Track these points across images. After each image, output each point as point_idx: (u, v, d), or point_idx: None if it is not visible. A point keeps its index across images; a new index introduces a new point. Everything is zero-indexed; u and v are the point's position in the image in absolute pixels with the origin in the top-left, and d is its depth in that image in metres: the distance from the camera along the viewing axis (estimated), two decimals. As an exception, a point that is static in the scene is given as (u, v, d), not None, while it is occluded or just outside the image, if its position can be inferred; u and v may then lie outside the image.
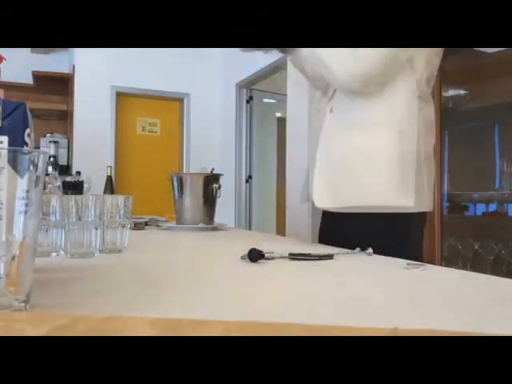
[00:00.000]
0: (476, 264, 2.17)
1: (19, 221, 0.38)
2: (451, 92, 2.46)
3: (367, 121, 1.15)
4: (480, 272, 0.72)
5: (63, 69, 5.43)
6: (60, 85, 5.24)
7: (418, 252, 1.19)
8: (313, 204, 1.26)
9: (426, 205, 1.16)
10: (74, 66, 4.82)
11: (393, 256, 0.86)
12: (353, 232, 1.18)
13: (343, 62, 1.10)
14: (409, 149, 1.13)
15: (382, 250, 0.89)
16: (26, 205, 0.38)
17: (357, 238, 1.03)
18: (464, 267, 2.19)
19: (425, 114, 1.17)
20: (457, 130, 2.55)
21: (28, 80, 5.15)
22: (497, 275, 0.68)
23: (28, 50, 5.39)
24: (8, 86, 4.84)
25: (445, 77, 2.28)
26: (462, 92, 2.46)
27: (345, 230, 1.20)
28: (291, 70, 3.62)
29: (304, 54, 1.17)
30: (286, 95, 3.80)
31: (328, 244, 1.14)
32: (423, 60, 1.15)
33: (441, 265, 2.23)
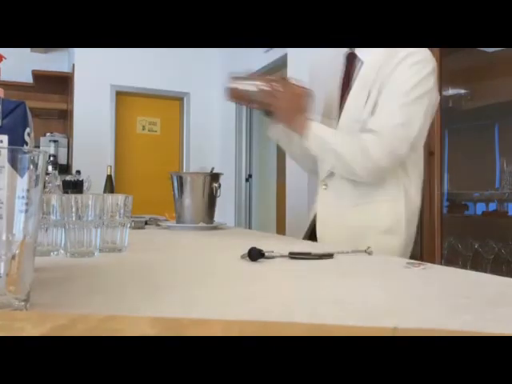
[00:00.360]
0: (476, 263, 2.17)
1: (19, 220, 0.38)
2: (451, 91, 2.46)
3: (368, 198, 1.25)
4: (480, 271, 0.72)
5: (63, 68, 5.42)
6: (60, 84, 5.23)
7: None
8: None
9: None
10: (73, 65, 4.81)
11: None
12: None
13: (360, 162, 1.19)
14: (413, 211, 1.27)
15: None
16: (26, 204, 0.38)
17: None
18: (464, 266, 2.19)
19: (416, 164, 1.28)
20: (457, 129, 2.55)
21: (28, 79, 5.14)
22: (497, 274, 0.68)
23: (28, 49, 5.38)
24: (8, 85, 4.83)
25: (445, 76, 2.28)
26: (462, 91, 2.46)
27: None
28: (291, 69, 3.62)
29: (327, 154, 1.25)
30: (285, 94, 3.80)
31: None
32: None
33: (441, 264, 2.23)
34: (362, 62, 1.26)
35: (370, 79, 1.22)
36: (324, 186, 1.33)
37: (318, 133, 1.21)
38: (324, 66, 1.42)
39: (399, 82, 1.18)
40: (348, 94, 1.27)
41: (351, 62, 1.29)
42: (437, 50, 2.22)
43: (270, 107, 1.24)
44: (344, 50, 1.32)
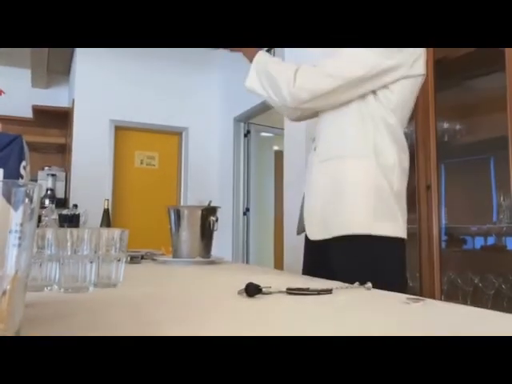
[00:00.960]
0: (476, 298, 2.14)
1: (11, 254, 0.37)
2: (446, 126, 2.49)
3: (344, 152, 1.25)
4: (481, 306, 0.70)
5: (63, 103, 5.50)
6: (59, 118, 5.29)
7: (399, 278, 1.24)
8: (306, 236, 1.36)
9: (400, 231, 1.24)
10: (73, 101, 4.88)
11: (372, 281, 0.86)
12: (333, 259, 1.25)
13: (285, 83, 1.23)
14: (385, 181, 1.22)
15: (364, 275, 0.89)
16: (20, 238, 0.37)
17: (337, 263, 1.20)
18: (464, 301, 2.16)
19: (401, 159, 1.27)
20: (453, 164, 2.57)
21: (28, 114, 5.21)
22: (497, 309, 0.66)
23: (29, 84, 5.47)
24: (7, 120, 4.90)
25: (440, 111, 2.31)
26: (458, 126, 2.49)
27: (328, 258, 1.26)
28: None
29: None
30: (283, 129, 3.84)
31: (312, 272, 1.24)
32: (393, 94, 1.24)
33: (441, 299, 2.20)
34: None
35: None
36: (314, 147, 1.36)
37: (262, 58, 1.28)
38: None
39: None
40: None
41: None
42: (431, 85, 2.26)
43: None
44: None
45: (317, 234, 1.29)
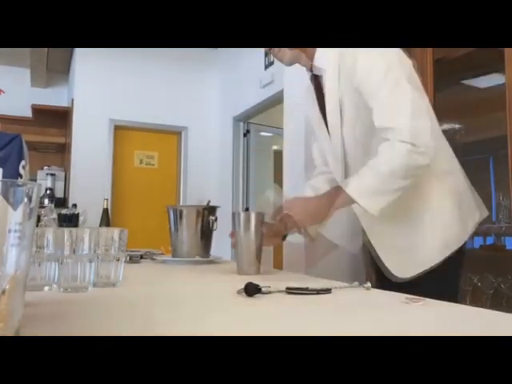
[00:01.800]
0: (475, 298, 2.14)
1: (11, 254, 0.37)
2: (446, 126, 2.49)
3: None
4: (479, 306, 0.70)
5: (62, 102, 5.49)
6: (59, 118, 5.29)
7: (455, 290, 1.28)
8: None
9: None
10: (72, 100, 4.87)
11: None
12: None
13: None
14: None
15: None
16: (19, 237, 0.37)
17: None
18: (463, 301, 2.16)
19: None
20: (452, 163, 2.57)
21: (27, 113, 5.20)
22: (496, 309, 0.66)
23: (28, 84, 5.46)
24: (7, 119, 4.89)
25: (439, 111, 2.31)
26: (457, 126, 2.49)
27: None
28: (288, 103, 3.68)
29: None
30: (282, 129, 3.84)
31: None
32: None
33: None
34: (322, 77, 1.22)
35: (334, 88, 1.18)
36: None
37: (361, 186, 1.11)
38: (302, 97, 1.39)
39: (370, 77, 1.11)
40: (326, 114, 1.24)
41: (318, 83, 1.27)
42: (430, 85, 2.26)
43: (298, 223, 1.18)
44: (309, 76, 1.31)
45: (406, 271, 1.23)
